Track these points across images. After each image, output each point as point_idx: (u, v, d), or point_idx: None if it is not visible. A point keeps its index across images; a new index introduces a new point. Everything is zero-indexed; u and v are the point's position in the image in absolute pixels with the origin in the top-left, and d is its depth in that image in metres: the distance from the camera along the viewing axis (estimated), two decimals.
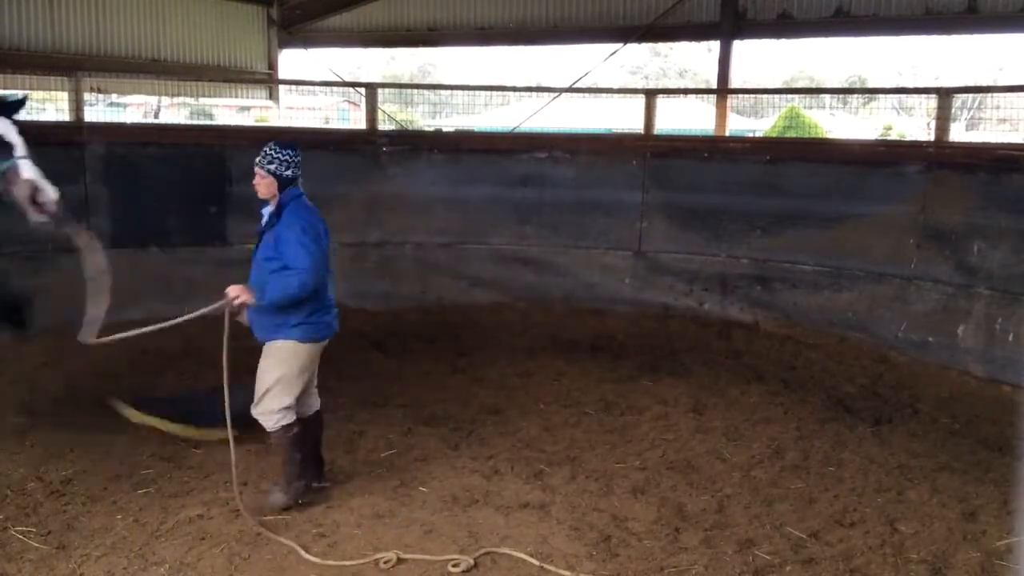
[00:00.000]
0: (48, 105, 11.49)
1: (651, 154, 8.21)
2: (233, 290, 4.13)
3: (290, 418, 4.32)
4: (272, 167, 4.21)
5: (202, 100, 16.25)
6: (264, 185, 4.23)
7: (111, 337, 3.96)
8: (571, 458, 5.18)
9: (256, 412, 4.33)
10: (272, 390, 4.26)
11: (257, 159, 4.24)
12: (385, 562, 3.88)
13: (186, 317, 4.15)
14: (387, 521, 4.28)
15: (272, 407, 4.28)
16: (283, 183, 4.24)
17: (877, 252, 7.07)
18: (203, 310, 4.11)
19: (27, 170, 3.95)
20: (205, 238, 7.86)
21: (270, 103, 12.49)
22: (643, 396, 6.30)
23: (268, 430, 4.36)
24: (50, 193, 3.90)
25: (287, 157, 4.25)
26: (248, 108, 19.54)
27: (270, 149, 4.24)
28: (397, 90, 16.26)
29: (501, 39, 11.20)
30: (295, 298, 4.11)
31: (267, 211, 4.30)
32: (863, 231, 7.16)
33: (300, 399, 4.39)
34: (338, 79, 12.30)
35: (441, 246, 8.40)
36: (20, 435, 5.23)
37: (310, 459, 4.48)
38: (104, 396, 5.51)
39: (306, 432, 4.42)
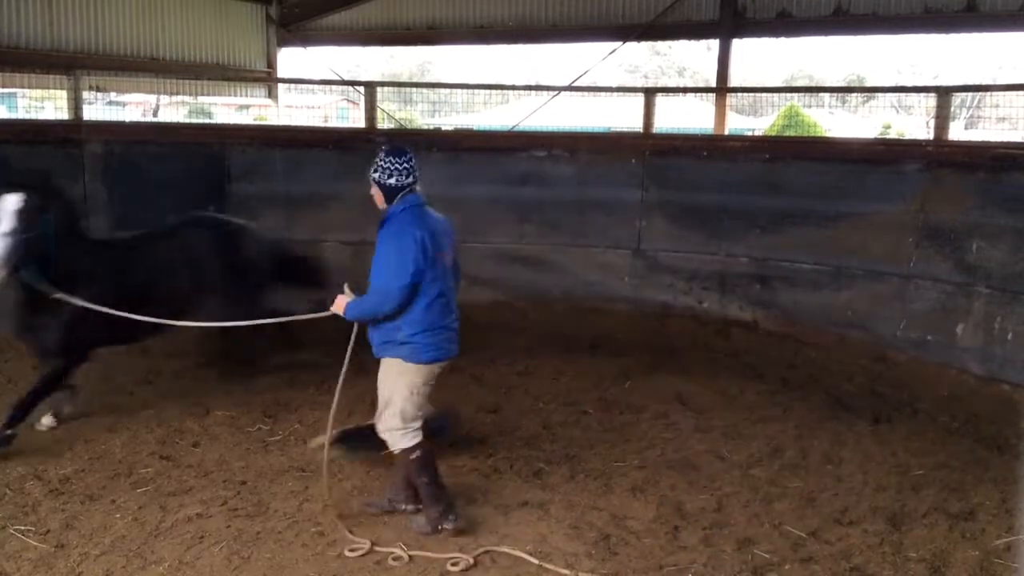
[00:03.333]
0: (47, 103, 11.49)
1: (650, 153, 8.20)
2: (335, 301, 4.06)
3: (410, 440, 4.10)
4: (375, 175, 3.97)
5: (201, 98, 16.21)
6: (375, 195, 4.01)
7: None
8: (570, 457, 5.19)
9: (379, 428, 4.15)
10: (389, 407, 4.08)
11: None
12: (395, 559, 3.90)
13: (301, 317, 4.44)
14: (386, 520, 4.28)
15: (388, 425, 4.10)
16: (388, 192, 3.97)
17: (876, 251, 7.07)
18: (309, 315, 4.28)
19: None
20: None
21: (269, 102, 12.49)
22: (642, 395, 6.30)
23: (391, 449, 4.17)
24: None
25: (390, 164, 3.95)
26: (247, 107, 19.49)
27: (377, 157, 4.00)
28: (396, 88, 16.26)
29: (500, 38, 11.21)
30: (372, 317, 3.96)
31: None
32: (862, 230, 7.16)
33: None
34: (337, 77, 12.29)
35: None
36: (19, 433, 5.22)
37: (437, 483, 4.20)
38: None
39: (432, 454, 4.20)
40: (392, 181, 3.94)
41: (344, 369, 4.15)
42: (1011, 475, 4.92)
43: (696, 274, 8.01)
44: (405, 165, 3.96)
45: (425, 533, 4.10)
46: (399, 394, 4.05)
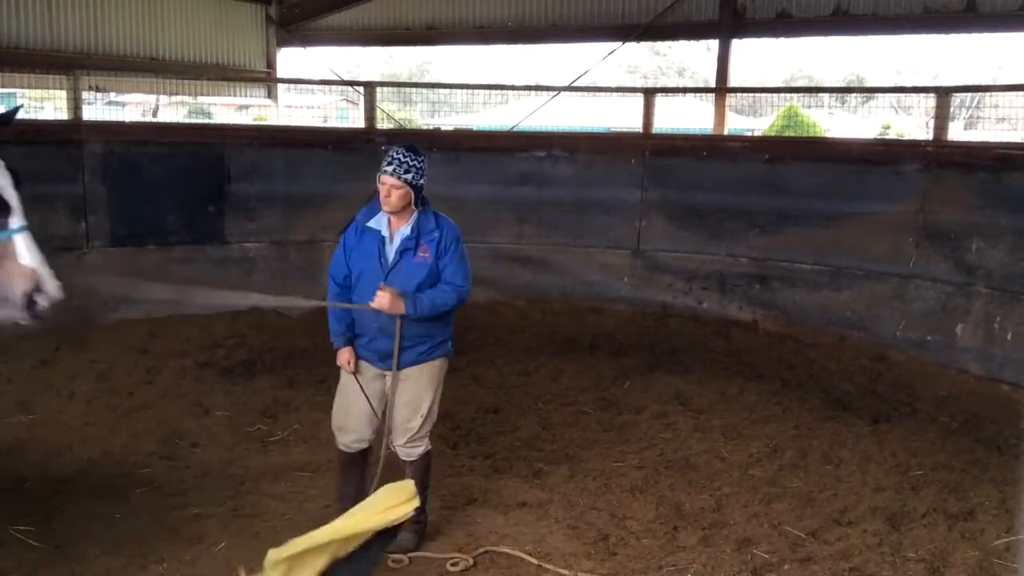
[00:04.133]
0: (47, 104, 11.49)
1: (650, 153, 8.20)
2: (386, 298, 3.68)
3: (428, 444, 4.08)
4: (410, 176, 3.75)
5: (201, 99, 16.20)
6: (399, 196, 3.76)
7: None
8: (569, 457, 5.19)
9: (412, 442, 3.99)
10: (432, 413, 4.01)
11: (388, 167, 3.75)
12: (394, 560, 3.89)
13: (336, 304, 3.89)
14: None
15: (426, 432, 4.02)
16: (419, 192, 3.83)
17: (876, 251, 7.08)
18: (352, 306, 3.85)
19: (29, 253, 2.81)
20: (203, 237, 7.86)
21: (269, 102, 12.48)
22: (641, 395, 6.31)
23: (412, 460, 4.02)
24: (53, 291, 2.79)
25: (421, 164, 3.82)
26: (247, 107, 19.50)
27: (404, 156, 3.77)
28: (396, 89, 16.23)
29: (500, 38, 11.19)
30: (441, 312, 3.84)
31: (382, 221, 3.88)
32: (862, 230, 7.16)
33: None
34: (337, 78, 12.28)
35: None
36: (19, 433, 5.23)
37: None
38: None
39: None
40: (423, 182, 3.86)
41: (393, 385, 3.93)
42: (1011, 475, 4.92)
43: (696, 274, 8.01)
44: (426, 164, 3.90)
45: (409, 549, 3.98)
46: (435, 398, 4.01)
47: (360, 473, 4.13)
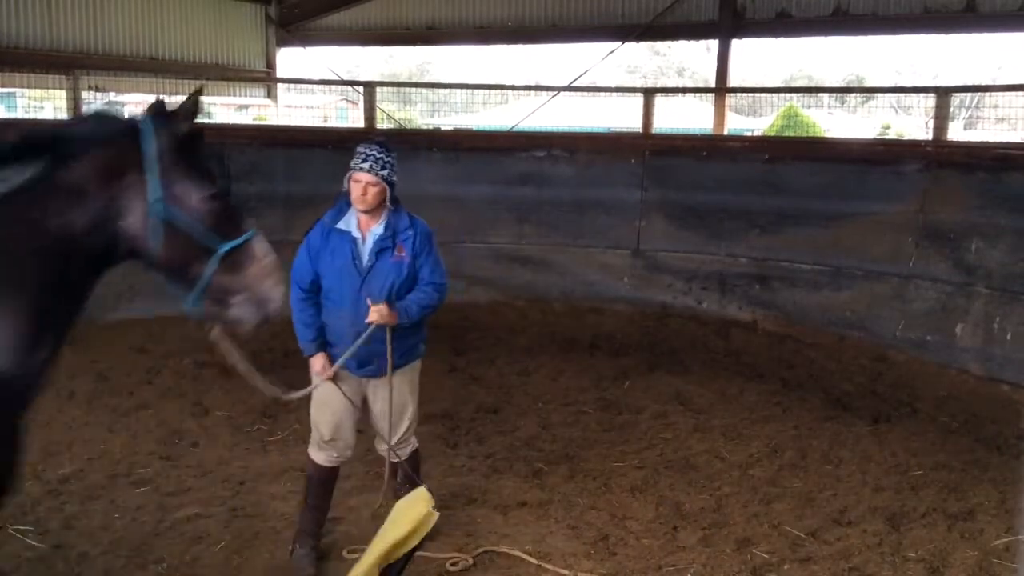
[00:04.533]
0: (47, 103, 11.49)
1: (650, 153, 8.20)
2: (381, 312, 3.58)
3: (416, 441, 4.14)
4: (386, 173, 3.61)
5: (200, 98, 16.23)
6: (375, 193, 3.61)
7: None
8: (569, 457, 5.19)
9: (401, 443, 3.99)
10: (415, 413, 4.04)
11: (364, 164, 3.60)
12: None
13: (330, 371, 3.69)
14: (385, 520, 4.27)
15: (412, 431, 4.07)
16: (393, 189, 3.69)
17: (876, 251, 7.07)
18: (350, 351, 3.63)
19: (268, 251, 2.62)
20: None
21: (268, 101, 12.50)
22: (641, 395, 6.31)
23: (403, 459, 4.01)
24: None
25: (394, 159, 3.68)
26: (246, 107, 19.49)
27: (379, 152, 3.63)
28: (395, 88, 16.28)
29: (500, 38, 11.22)
30: (430, 313, 3.82)
31: (351, 222, 3.73)
32: (862, 230, 7.16)
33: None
34: (336, 77, 12.29)
35: (439, 244, 8.39)
36: None
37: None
38: None
39: None
40: (396, 178, 3.74)
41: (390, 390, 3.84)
42: (1010, 475, 4.92)
43: (696, 274, 8.00)
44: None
45: None
46: (416, 399, 4.03)
47: (329, 498, 4.04)
